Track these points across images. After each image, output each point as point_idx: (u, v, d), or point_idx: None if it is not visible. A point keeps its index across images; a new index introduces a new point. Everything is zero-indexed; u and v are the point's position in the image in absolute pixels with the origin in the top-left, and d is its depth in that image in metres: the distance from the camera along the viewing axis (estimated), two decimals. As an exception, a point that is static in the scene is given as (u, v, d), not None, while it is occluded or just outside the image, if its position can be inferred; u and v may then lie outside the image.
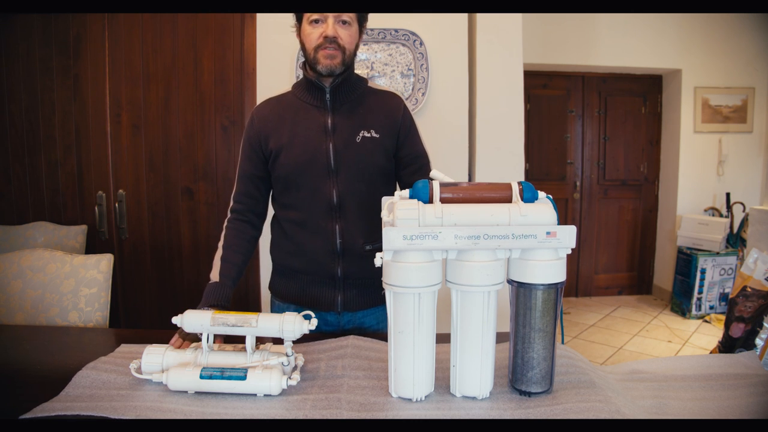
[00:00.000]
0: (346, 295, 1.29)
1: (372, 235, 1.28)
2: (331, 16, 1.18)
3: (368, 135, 1.26)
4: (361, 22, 1.25)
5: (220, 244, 1.28)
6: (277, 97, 1.33)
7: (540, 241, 0.83)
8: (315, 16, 1.18)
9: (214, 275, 1.23)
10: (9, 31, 2.40)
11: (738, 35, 3.99)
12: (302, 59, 1.29)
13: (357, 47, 1.26)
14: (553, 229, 0.83)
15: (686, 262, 3.86)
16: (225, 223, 1.31)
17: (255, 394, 0.89)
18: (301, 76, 1.31)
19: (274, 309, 1.38)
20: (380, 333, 1.33)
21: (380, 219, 1.30)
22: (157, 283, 2.53)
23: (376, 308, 1.34)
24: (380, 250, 1.29)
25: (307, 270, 1.29)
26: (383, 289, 0.88)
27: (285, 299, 1.34)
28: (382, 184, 1.30)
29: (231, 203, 1.33)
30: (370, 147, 1.25)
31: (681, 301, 3.91)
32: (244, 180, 1.32)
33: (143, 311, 2.54)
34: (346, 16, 1.19)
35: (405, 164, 1.31)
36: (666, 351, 3.26)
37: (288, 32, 2.50)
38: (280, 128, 1.27)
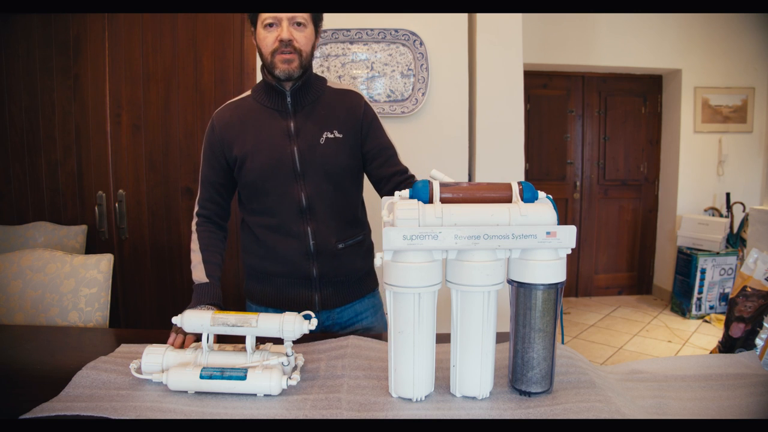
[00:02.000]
0: (323, 294, 1.30)
1: (344, 234, 1.29)
2: (285, 19, 1.17)
3: (332, 136, 1.26)
4: (317, 23, 1.25)
5: (196, 246, 1.28)
6: (237, 101, 1.31)
7: (540, 241, 0.83)
8: (269, 19, 1.17)
9: (201, 277, 1.23)
10: (9, 31, 2.40)
11: (738, 35, 3.99)
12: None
13: (314, 48, 1.26)
14: (553, 229, 0.83)
15: (686, 262, 3.86)
16: (194, 227, 1.32)
17: (255, 394, 0.89)
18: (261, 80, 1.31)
19: None
20: (358, 326, 1.35)
21: (351, 217, 1.31)
22: (157, 283, 2.53)
23: (353, 303, 1.35)
24: (353, 246, 1.30)
25: (282, 273, 1.30)
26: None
27: (261, 302, 1.34)
28: (350, 183, 1.31)
29: (196, 207, 1.33)
30: (335, 148, 1.26)
31: (681, 301, 3.91)
32: (207, 186, 1.32)
33: (143, 311, 2.53)
34: (300, 18, 1.18)
35: (371, 158, 1.31)
36: (666, 351, 3.26)
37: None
38: (243, 135, 1.26)
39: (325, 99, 1.29)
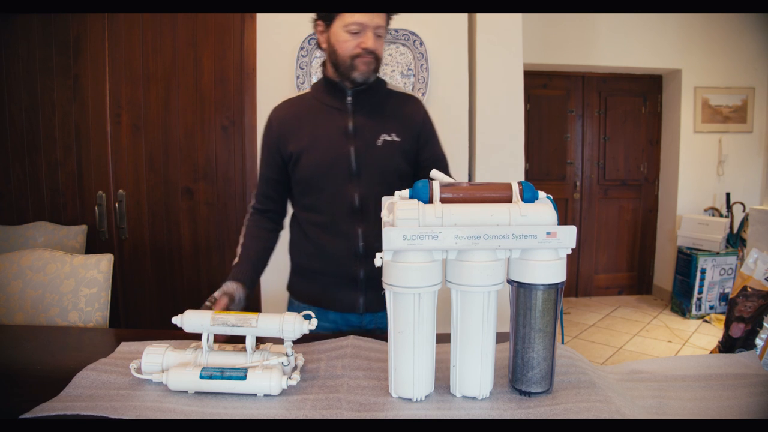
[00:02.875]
0: (368, 297, 1.29)
1: None
2: (370, 29, 1.18)
3: (389, 138, 1.26)
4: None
5: (241, 237, 1.31)
6: (296, 98, 1.32)
7: (540, 241, 0.83)
8: (354, 27, 1.17)
9: (235, 259, 1.27)
10: (9, 31, 2.40)
11: (738, 35, 3.99)
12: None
13: None
14: (553, 229, 0.83)
15: (686, 262, 3.86)
16: (245, 220, 1.34)
17: (255, 394, 0.89)
18: (320, 76, 1.31)
19: (292, 310, 1.38)
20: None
21: None
22: (157, 283, 2.53)
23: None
24: None
25: (328, 272, 1.29)
26: (383, 290, 0.88)
27: (304, 300, 1.34)
28: (401, 187, 1.30)
29: (252, 201, 1.35)
30: (391, 150, 1.26)
31: (681, 301, 3.91)
32: (263, 182, 1.34)
33: (143, 311, 2.54)
34: (381, 30, 1.20)
35: (426, 167, 1.30)
36: (666, 351, 3.26)
37: (288, 32, 2.49)
38: (299, 131, 1.26)
39: (385, 100, 1.30)
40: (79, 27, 2.39)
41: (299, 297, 1.36)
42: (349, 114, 1.26)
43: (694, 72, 4.02)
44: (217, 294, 1.18)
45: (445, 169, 1.32)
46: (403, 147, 1.27)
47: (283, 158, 1.29)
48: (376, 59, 1.22)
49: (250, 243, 1.30)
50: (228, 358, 0.93)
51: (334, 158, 1.24)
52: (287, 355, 0.93)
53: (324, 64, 1.28)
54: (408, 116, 1.30)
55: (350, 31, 1.18)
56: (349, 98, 1.26)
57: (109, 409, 0.83)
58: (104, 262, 1.56)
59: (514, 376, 0.91)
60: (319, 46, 1.27)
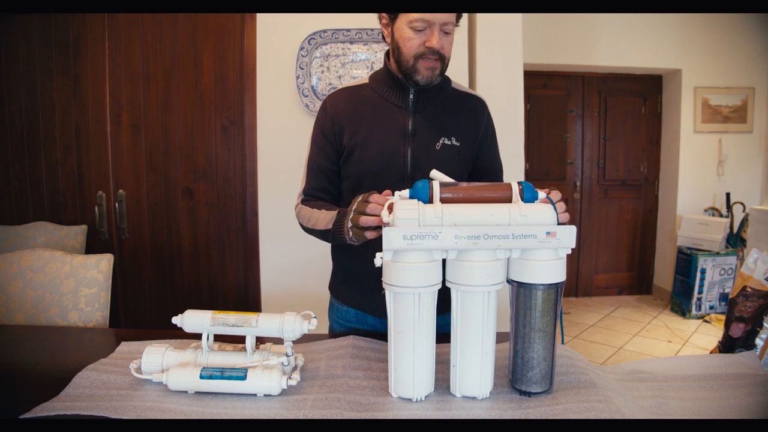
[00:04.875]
0: None
1: None
2: (436, 26, 1.10)
3: (448, 143, 1.19)
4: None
5: (307, 212, 1.18)
6: (354, 88, 1.24)
7: (540, 241, 0.83)
8: (419, 23, 1.09)
9: (329, 216, 1.11)
10: (9, 31, 2.40)
11: (738, 35, 3.99)
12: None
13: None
14: (553, 229, 0.83)
15: (686, 262, 3.86)
16: (297, 207, 1.23)
17: (255, 394, 0.89)
18: (381, 68, 1.23)
19: (334, 311, 1.33)
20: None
21: None
22: (157, 283, 2.53)
23: (440, 317, 1.31)
24: None
25: (371, 276, 1.20)
26: (383, 289, 0.88)
27: (346, 303, 1.29)
28: None
29: (301, 197, 1.24)
30: (450, 156, 1.19)
31: (681, 301, 3.91)
32: (317, 174, 1.23)
33: (143, 311, 2.53)
34: (449, 27, 1.11)
35: (482, 175, 1.26)
36: (666, 351, 3.26)
37: (288, 32, 2.49)
38: (355, 124, 1.19)
39: (448, 101, 1.22)
40: (79, 27, 2.39)
41: (341, 299, 1.31)
42: (410, 113, 1.18)
43: (694, 72, 4.02)
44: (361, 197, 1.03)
45: (500, 179, 1.27)
46: (463, 153, 1.20)
47: (338, 148, 1.21)
48: (442, 60, 1.13)
49: (323, 206, 1.16)
50: (228, 358, 0.93)
51: (389, 158, 1.16)
52: (287, 355, 0.93)
53: (387, 55, 1.20)
54: (470, 120, 1.22)
55: (415, 28, 1.10)
56: (411, 96, 1.18)
57: (109, 409, 0.83)
58: (104, 262, 1.56)
59: (514, 376, 0.91)
60: (383, 39, 1.20)
